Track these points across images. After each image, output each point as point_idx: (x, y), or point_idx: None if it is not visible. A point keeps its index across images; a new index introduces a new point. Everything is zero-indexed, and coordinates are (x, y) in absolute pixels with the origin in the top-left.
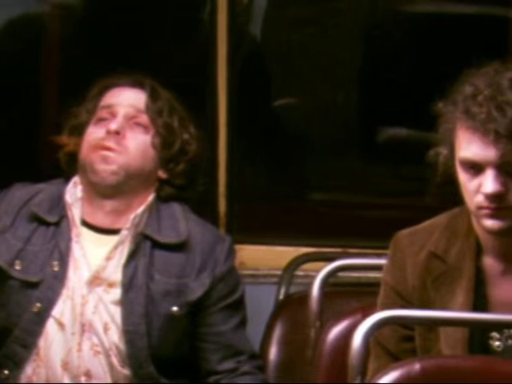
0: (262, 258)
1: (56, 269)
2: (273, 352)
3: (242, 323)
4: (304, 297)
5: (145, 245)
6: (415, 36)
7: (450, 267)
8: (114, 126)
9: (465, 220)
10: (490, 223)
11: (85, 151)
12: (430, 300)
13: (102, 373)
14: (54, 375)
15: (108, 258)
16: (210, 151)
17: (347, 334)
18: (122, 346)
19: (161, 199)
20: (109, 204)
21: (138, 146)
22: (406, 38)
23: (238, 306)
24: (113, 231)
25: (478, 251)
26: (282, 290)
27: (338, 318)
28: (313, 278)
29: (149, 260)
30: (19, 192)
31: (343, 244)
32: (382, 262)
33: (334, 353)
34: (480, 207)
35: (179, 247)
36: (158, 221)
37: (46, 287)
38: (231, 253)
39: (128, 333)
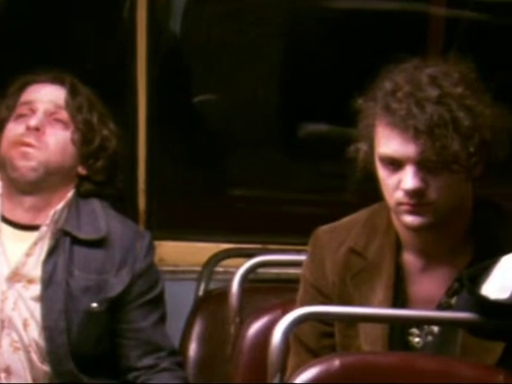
0: (182, 254)
1: None
2: (192, 348)
3: (162, 319)
4: (223, 293)
5: (64, 241)
6: (336, 32)
7: (369, 263)
8: (33, 122)
9: (384, 216)
10: (409, 219)
11: (4, 147)
12: (349, 296)
13: (22, 369)
14: None
15: (28, 255)
16: (129, 148)
17: (267, 331)
18: (41, 342)
19: (80, 195)
20: (28, 200)
21: (57, 142)
22: (326, 34)
23: (158, 302)
24: (32, 227)
25: (398, 247)
26: (202, 287)
27: (257, 315)
28: (232, 274)
29: (68, 256)
30: None
31: (263, 240)
32: (302, 258)
33: (254, 349)
34: (400, 203)
35: (99, 243)
36: (77, 217)
37: None
38: (151, 249)
39: (47, 329)
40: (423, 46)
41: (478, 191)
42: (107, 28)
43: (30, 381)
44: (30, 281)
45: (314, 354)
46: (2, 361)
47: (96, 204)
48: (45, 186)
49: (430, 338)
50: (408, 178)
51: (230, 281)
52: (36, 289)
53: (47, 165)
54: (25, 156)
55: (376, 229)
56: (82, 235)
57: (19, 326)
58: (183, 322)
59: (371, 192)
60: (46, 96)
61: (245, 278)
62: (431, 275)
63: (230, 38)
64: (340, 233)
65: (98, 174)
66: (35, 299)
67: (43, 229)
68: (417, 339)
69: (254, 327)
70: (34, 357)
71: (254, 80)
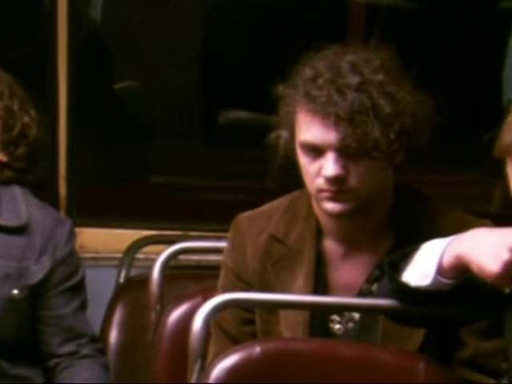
0: (103, 241)
1: None
2: (113, 335)
3: (83, 306)
4: (144, 280)
5: None
6: (256, 19)
7: (290, 250)
8: None
9: (305, 203)
10: (330, 206)
11: None
12: (270, 283)
13: None
14: None
15: None
16: (50, 134)
17: (187, 317)
18: None
19: (1, 182)
20: None
21: None
22: (246, 21)
23: (79, 289)
24: None
25: (319, 234)
26: (123, 273)
27: (178, 301)
28: (153, 261)
29: None
30: None
31: (184, 227)
32: (223, 244)
33: (175, 336)
34: (320, 190)
35: (19, 230)
36: None
37: None
38: (72, 236)
39: None
40: (344, 33)
41: (398, 178)
42: (28, 15)
43: None
44: None
45: (234, 341)
46: None
47: (17, 191)
48: None
49: (350, 324)
50: (329, 165)
51: (150, 267)
52: None
53: None
54: None
55: (297, 215)
56: (2, 222)
57: None
58: (104, 308)
59: (292, 179)
60: None
61: (165, 265)
62: (352, 262)
63: (150, 25)
64: (261, 219)
65: (19, 160)
66: None
67: None
68: (337, 326)
69: (175, 314)
70: None
71: (174, 67)
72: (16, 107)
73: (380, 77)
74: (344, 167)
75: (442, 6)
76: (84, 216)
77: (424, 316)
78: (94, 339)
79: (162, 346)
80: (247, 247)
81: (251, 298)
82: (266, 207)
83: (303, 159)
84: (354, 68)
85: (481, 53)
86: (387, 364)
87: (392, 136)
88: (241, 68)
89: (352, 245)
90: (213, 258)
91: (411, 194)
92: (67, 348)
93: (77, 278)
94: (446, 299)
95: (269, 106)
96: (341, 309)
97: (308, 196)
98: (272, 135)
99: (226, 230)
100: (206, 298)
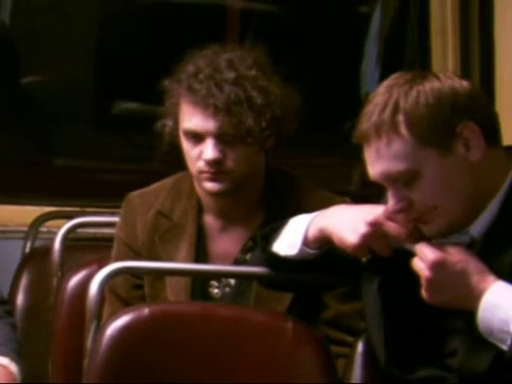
0: (10, 216)
1: None
2: (20, 298)
3: None
4: (47, 250)
5: None
6: (146, 21)
7: (174, 224)
8: None
9: (188, 183)
10: (209, 185)
11: None
12: (157, 253)
13: None
14: None
15: None
16: None
17: (85, 283)
18: None
19: None
20: None
21: None
22: (137, 23)
23: None
24: None
25: (200, 210)
26: (28, 245)
27: (77, 269)
28: (55, 233)
29: None
30: None
31: (82, 204)
32: (116, 219)
33: (74, 299)
34: (201, 172)
35: None
36: None
37: None
38: None
39: None
40: (222, 34)
41: (270, 161)
42: None
43: None
44: None
45: (126, 304)
46: None
47: None
48: None
49: (227, 289)
50: (208, 150)
51: (52, 239)
52: None
53: None
54: None
55: (180, 194)
56: None
57: None
58: (12, 275)
59: (176, 161)
60: None
61: (65, 237)
62: (229, 234)
63: (53, 27)
64: (149, 197)
65: None
66: None
67: None
68: (216, 290)
69: (74, 280)
70: None
71: (73, 63)
72: None
73: (253, 72)
74: (221, 151)
75: (307, 10)
76: None
77: (291, 282)
78: (3, 302)
79: (62, 309)
80: (137, 221)
81: (140, 266)
82: (153, 187)
83: (186, 144)
84: (231, 65)
85: (342, 51)
86: (259, 324)
87: (264, 124)
88: (132, 64)
89: (229, 219)
90: (107, 231)
91: (281, 175)
92: None
93: None
94: (311, 267)
95: (156, 98)
96: (218, 275)
97: (190, 177)
98: (159, 124)
99: (118, 207)
100: (101, 266)
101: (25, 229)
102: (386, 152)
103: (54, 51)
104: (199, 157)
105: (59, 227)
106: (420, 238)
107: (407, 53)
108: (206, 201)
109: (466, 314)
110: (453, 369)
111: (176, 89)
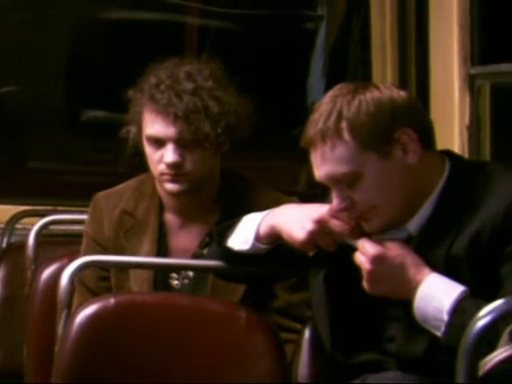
0: None
1: None
2: None
3: None
4: (22, 245)
5: None
6: (112, 37)
7: (138, 222)
8: None
9: (150, 184)
10: (170, 186)
11: None
12: (122, 248)
13: None
14: None
15: None
16: None
17: (57, 275)
18: None
19: None
20: None
21: None
22: (104, 38)
23: None
24: None
25: (161, 209)
26: (5, 240)
27: (49, 262)
28: (29, 230)
29: None
30: None
31: (54, 203)
32: (84, 217)
33: (46, 290)
34: (162, 174)
35: None
36: None
37: None
38: None
39: None
40: (181, 49)
41: (225, 164)
42: None
43: None
44: None
45: (94, 294)
46: None
47: None
48: None
49: (186, 281)
50: (169, 154)
51: (27, 236)
52: None
53: None
54: None
55: (143, 194)
56: None
57: None
58: None
59: (139, 164)
60: None
61: (39, 234)
62: (187, 231)
63: (28, 42)
64: (115, 197)
65: None
66: None
67: None
68: (176, 282)
69: (47, 272)
70: None
71: (46, 76)
72: None
73: (209, 83)
74: (181, 155)
75: (259, 27)
76: None
77: (244, 274)
78: None
79: (36, 298)
80: (104, 219)
81: (107, 259)
82: (118, 187)
83: (148, 149)
84: (189, 76)
85: (290, 64)
86: (215, 312)
87: (219, 130)
88: (99, 76)
89: (187, 217)
90: (76, 227)
91: (235, 176)
92: None
93: None
94: (263, 261)
95: (121, 106)
96: (178, 268)
97: (152, 178)
98: (123, 130)
99: (86, 206)
100: (71, 260)
101: (2, 226)
102: (330, 156)
103: (28, 64)
104: (160, 160)
105: (33, 224)
106: (361, 234)
107: (350, 66)
108: (167, 200)
109: (404, 303)
110: (391, 353)
111: (139, 98)
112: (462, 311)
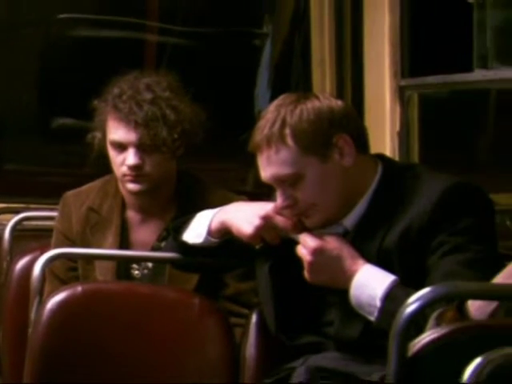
0: None
1: None
2: None
3: None
4: None
5: None
6: (79, 52)
7: (102, 218)
8: None
9: (113, 184)
10: (131, 186)
11: None
12: (88, 241)
13: None
14: None
15: None
16: None
17: (30, 266)
18: None
19: None
20: None
21: None
22: (72, 54)
23: None
24: None
25: (123, 207)
26: None
27: (23, 254)
28: (5, 225)
29: None
30: None
31: (27, 201)
32: (55, 214)
33: (20, 279)
34: (124, 175)
35: None
36: None
37: None
38: None
39: None
40: (141, 63)
41: (182, 166)
42: None
43: None
44: None
45: (63, 283)
46: None
47: None
48: None
49: (146, 271)
50: (130, 157)
51: (3, 230)
52: None
53: None
54: None
55: (107, 193)
56: None
57: None
58: None
59: (104, 166)
60: None
61: (14, 228)
62: (147, 226)
63: (4, 59)
64: (82, 196)
65: None
66: None
67: None
68: (136, 272)
69: (21, 263)
70: None
71: (22, 88)
72: None
73: (167, 94)
74: (141, 158)
75: (211, 44)
76: None
77: (198, 264)
78: None
79: (11, 287)
80: (72, 215)
81: (75, 252)
82: (85, 187)
83: (112, 153)
84: (148, 87)
85: (239, 77)
86: (172, 299)
87: (176, 136)
88: (68, 87)
89: (147, 214)
90: (47, 223)
91: (189, 177)
92: None
93: None
94: (214, 253)
95: (87, 114)
96: (138, 260)
97: (115, 179)
98: (89, 136)
99: (56, 204)
100: (42, 252)
101: None
102: (275, 159)
103: (5, 78)
104: (123, 163)
105: (8, 220)
106: (303, 229)
107: (292, 78)
108: (129, 199)
109: (341, 291)
110: (330, 336)
111: (104, 107)
112: (393, 298)
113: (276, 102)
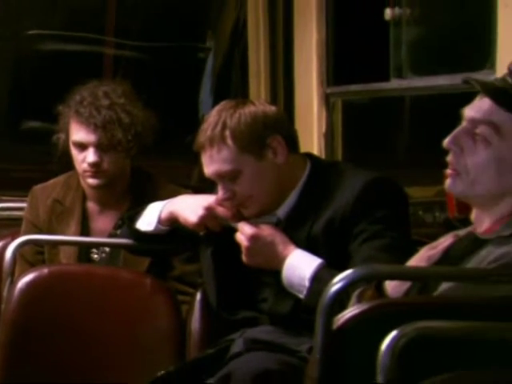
0: None
1: None
2: None
3: None
4: None
5: None
6: (46, 64)
7: (66, 209)
8: None
9: (76, 179)
10: (91, 181)
11: None
12: (54, 229)
13: None
14: None
15: None
16: None
17: (2, 251)
18: None
19: None
20: None
21: None
22: (39, 65)
23: None
24: None
25: (84, 198)
26: None
27: None
28: None
29: None
30: None
31: None
32: (24, 205)
33: None
34: (85, 171)
35: None
36: None
37: None
38: None
39: None
40: (100, 73)
41: (135, 163)
42: None
43: None
44: None
45: (31, 265)
46: None
47: None
48: None
49: (103, 255)
50: (90, 155)
51: None
52: None
53: None
54: None
55: (70, 187)
56: None
57: None
58: None
59: (67, 164)
60: None
61: None
62: (105, 216)
63: None
64: (48, 189)
65: None
66: None
67: None
68: (96, 256)
69: None
70: None
71: None
72: None
73: (122, 100)
74: (99, 157)
75: (161, 56)
76: None
77: (149, 249)
78: None
79: None
80: (39, 206)
81: (42, 238)
82: (51, 181)
83: (74, 152)
84: (106, 95)
85: (185, 85)
86: (126, 280)
87: (130, 137)
88: (35, 94)
89: (105, 205)
90: (17, 213)
91: (142, 173)
92: None
93: None
94: (164, 239)
95: (52, 118)
96: (97, 245)
97: (77, 174)
98: (54, 137)
99: (25, 196)
100: (13, 239)
101: None
102: (216, 157)
103: None
104: (83, 160)
105: None
106: (241, 218)
107: (232, 86)
108: (89, 192)
109: (275, 272)
110: (265, 311)
111: (67, 112)
112: (319, 279)
113: (217, 107)
